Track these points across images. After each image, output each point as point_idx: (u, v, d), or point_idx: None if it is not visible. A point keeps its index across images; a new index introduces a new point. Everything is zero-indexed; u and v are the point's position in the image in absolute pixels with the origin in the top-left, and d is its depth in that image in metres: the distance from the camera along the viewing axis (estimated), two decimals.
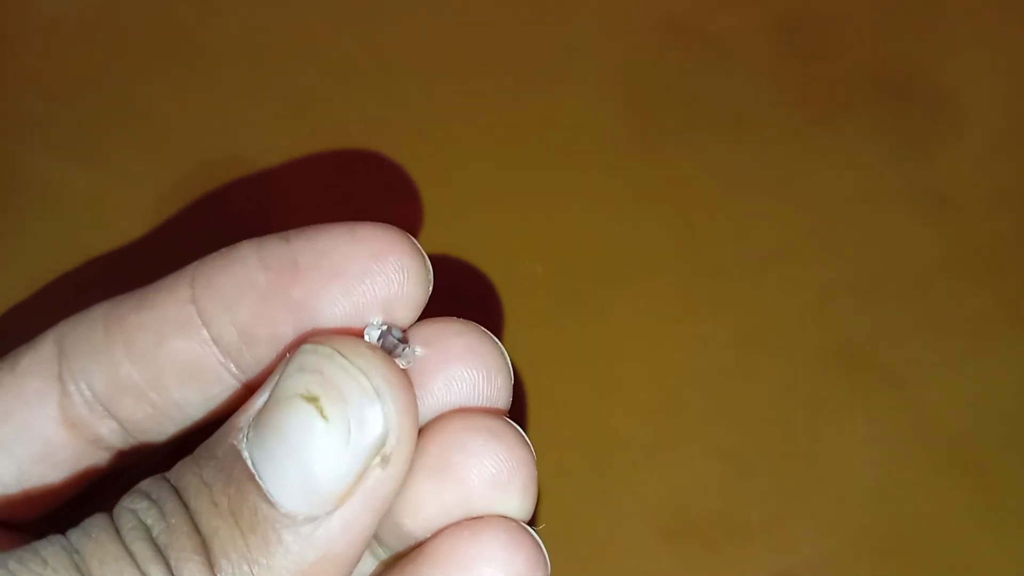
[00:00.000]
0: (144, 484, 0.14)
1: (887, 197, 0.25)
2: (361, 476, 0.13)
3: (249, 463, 0.13)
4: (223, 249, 0.16)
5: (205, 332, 0.15)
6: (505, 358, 0.15)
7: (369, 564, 0.16)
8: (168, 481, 0.14)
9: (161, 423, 0.16)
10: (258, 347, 0.15)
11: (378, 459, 0.13)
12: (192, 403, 0.16)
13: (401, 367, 0.14)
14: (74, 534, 0.13)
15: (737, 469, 0.22)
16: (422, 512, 0.15)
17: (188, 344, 0.15)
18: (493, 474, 0.15)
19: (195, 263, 0.16)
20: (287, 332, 0.15)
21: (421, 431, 0.15)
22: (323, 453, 0.13)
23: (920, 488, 0.22)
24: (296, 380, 0.13)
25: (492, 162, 0.25)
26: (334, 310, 0.15)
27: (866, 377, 0.23)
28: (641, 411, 0.23)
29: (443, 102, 0.26)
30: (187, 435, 0.17)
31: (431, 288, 0.15)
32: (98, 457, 0.16)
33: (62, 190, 0.24)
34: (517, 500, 0.15)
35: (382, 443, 0.13)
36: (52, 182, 0.24)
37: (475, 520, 0.15)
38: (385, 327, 0.15)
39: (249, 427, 0.14)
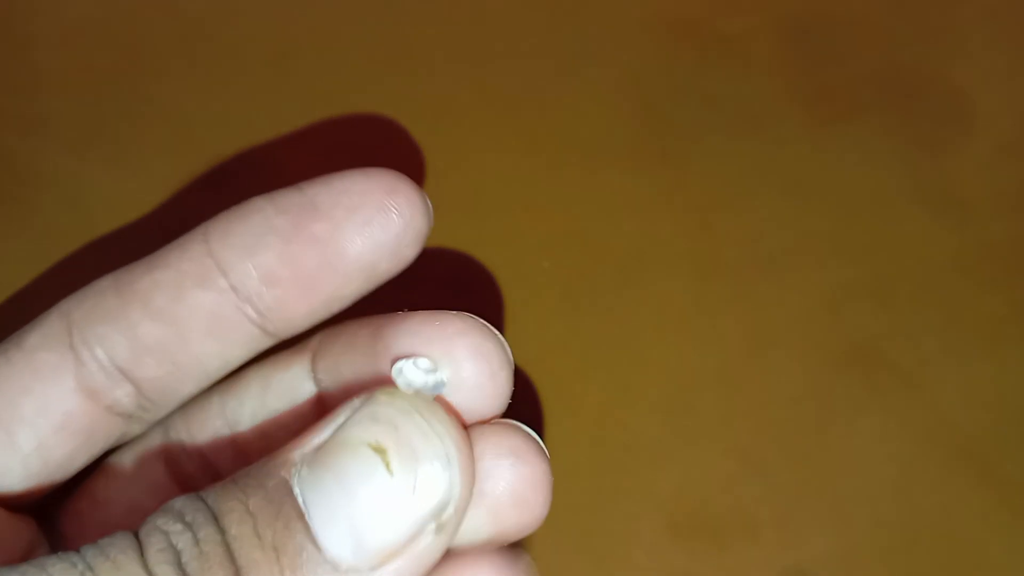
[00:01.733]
0: (178, 503, 0.13)
1: (900, 198, 0.25)
2: (414, 538, 0.13)
3: (300, 501, 0.13)
4: (234, 207, 0.17)
5: (224, 281, 0.16)
6: (507, 353, 0.15)
7: None
8: (205, 503, 0.13)
9: (181, 381, 0.17)
10: (280, 287, 0.16)
11: (433, 525, 0.13)
12: (212, 356, 0.16)
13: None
14: (90, 552, 0.13)
15: (749, 467, 0.22)
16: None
17: (208, 294, 0.16)
18: (520, 494, 0.15)
19: (205, 223, 0.16)
20: (312, 267, 0.16)
21: None
22: (381, 507, 0.13)
23: (932, 487, 0.22)
24: (366, 428, 0.13)
25: (504, 160, 0.26)
26: (356, 241, 0.16)
27: (879, 376, 0.23)
28: (653, 408, 0.23)
29: (456, 100, 0.26)
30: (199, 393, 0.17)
31: (432, 224, 0.17)
32: (112, 424, 0.17)
33: (80, 187, 0.25)
34: (539, 512, 0.15)
35: (442, 510, 0.13)
36: (70, 179, 0.25)
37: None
38: (418, 365, 0.15)
39: (303, 463, 0.13)
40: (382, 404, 0.14)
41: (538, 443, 0.16)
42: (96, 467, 0.18)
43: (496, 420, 0.15)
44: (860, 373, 0.23)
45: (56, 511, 0.18)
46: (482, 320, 0.15)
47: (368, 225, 0.16)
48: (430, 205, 0.17)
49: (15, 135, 0.25)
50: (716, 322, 0.24)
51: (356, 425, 0.13)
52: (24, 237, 0.24)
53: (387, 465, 0.13)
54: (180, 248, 0.16)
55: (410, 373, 0.14)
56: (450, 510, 0.13)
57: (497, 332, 0.15)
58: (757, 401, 0.23)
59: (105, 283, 0.17)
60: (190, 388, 0.17)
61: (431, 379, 0.14)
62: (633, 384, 0.23)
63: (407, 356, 0.15)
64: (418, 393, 0.14)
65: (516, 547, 0.16)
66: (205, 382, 0.17)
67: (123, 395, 0.16)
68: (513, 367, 0.15)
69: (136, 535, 0.13)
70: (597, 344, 0.23)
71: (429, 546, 0.13)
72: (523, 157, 0.26)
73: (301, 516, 0.13)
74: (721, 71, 0.27)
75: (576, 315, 0.24)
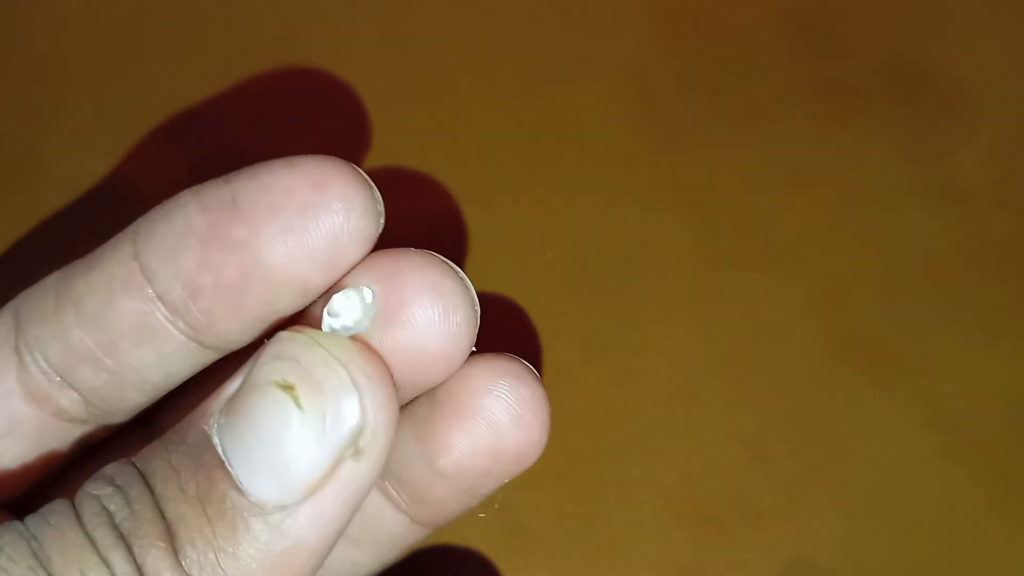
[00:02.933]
0: (108, 469, 0.13)
1: (901, 191, 0.26)
2: (334, 468, 0.13)
3: (220, 450, 0.13)
4: (165, 201, 0.15)
5: (150, 289, 0.15)
6: (468, 293, 0.15)
7: (397, 521, 0.17)
8: (135, 466, 0.13)
9: (121, 389, 0.15)
10: (204, 298, 0.14)
11: (351, 452, 0.13)
12: (149, 366, 0.15)
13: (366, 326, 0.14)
14: (32, 520, 0.13)
15: (753, 456, 0.22)
16: (453, 453, 0.15)
17: (134, 303, 0.15)
18: (519, 414, 0.15)
19: (140, 218, 0.15)
20: (231, 277, 0.14)
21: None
22: (296, 442, 0.13)
23: (934, 477, 0.22)
24: (272, 368, 0.13)
25: (508, 149, 0.26)
26: (277, 249, 0.14)
27: (881, 367, 0.23)
28: (657, 397, 0.23)
29: (459, 88, 0.26)
30: (153, 403, 0.16)
31: (383, 222, 0.15)
32: (64, 431, 0.16)
33: (82, 175, 0.25)
34: (537, 435, 0.16)
35: (357, 436, 0.13)
36: (72, 166, 0.25)
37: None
38: (347, 296, 0.14)
39: (220, 414, 0.13)
40: (285, 341, 0.13)
41: (533, 371, 0.16)
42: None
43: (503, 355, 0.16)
44: (863, 363, 0.23)
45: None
46: (441, 257, 0.15)
47: (289, 230, 0.14)
48: (379, 199, 0.14)
49: (17, 122, 0.25)
50: (719, 312, 0.24)
51: (262, 367, 0.13)
52: (26, 225, 0.24)
53: (296, 400, 0.13)
54: (112, 248, 0.15)
55: (338, 305, 0.14)
56: (367, 435, 0.13)
57: (459, 270, 0.15)
58: (760, 391, 0.23)
59: (51, 279, 0.16)
60: (137, 398, 0.16)
61: (359, 309, 0.14)
62: (637, 373, 0.23)
63: (339, 289, 0.14)
64: (332, 330, 0.14)
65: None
66: (153, 393, 0.16)
67: (68, 402, 0.16)
68: (477, 309, 0.15)
69: (72, 502, 0.13)
70: (601, 333, 0.23)
71: (352, 473, 0.13)
72: (526, 146, 0.26)
73: (221, 464, 0.13)
74: (724, 62, 0.27)
75: (580, 304, 0.24)
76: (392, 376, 0.14)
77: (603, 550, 0.21)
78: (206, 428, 0.13)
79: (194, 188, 0.15)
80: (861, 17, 0.28)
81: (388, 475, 0.16)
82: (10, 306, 0.16)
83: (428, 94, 0.26)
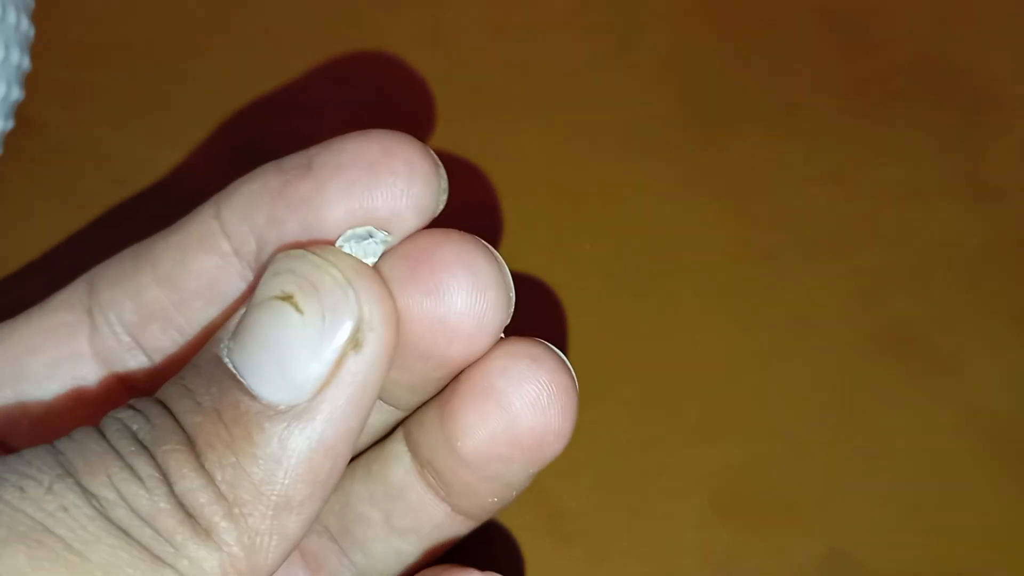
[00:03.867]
0: (131, 401, 0.14)
1: (936, 187, 0.26)
2: (338, 363, 0.13)
3: (230, 364, 0.14)
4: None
5: (226, 244, 0.15)
6: (501, 275, 0.15)
7: (439, 510, 0.17)
8: (153, 396, 0.14)
9: (189, 355, 0.16)
10: (268, 252, 0.15)
11: (352, 346, 0.13)
12: (218, 327, 0.15)
13: (372, 261, 0.14)
14: (59, 441, 0.13)
15: (788, 449, 0.22)
16: (471, 437, 0.15)
17: (210, 258, 0.15)
18: (534, 398, 0.15)
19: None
20: (294, 232, 0.15)
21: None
22: (299, 342, 0.13)
23: (969, 471, 0.22)
24: (271, 283, 0.14)
25: (546, 144, 0.26)
26: (339, 207, 0.14)
27: (916, 362, 0.23)
28: (694, 389, 0.23)
29: (497, 84, 0.27)
30: None
31: (444, 200, 0.15)
32: (128, 399, 0.16)
33: (118, 158, 0.25)
34: (557, 422, 0.15)
35: (356, 329, 0.13)
36: (108, 149, 0.25)
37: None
38: (360, 232, 0.14)
39: (229, 337, 0.14)
40: (280, 258, 0.14)
41: (559, 356, 0.16)
42: None
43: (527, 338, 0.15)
44: (897, 359, 0.23)
45: None
46: (480, 239, 0.15)
47: (353, 186, 0.14)
48: (444, 176, 0.15)
49: (54, 106, 0.25)
50: (755, 306, 0.24)
51: (262, 286, 0.14)
52: (63, 207, 0.24)
53: (296, 306, 0.13)
54: (196, 211, 0.16)
55: (352, 246, 0.14)
56: (364, 327, 0.13)
57: (496, 253, 0.15)
58: (798, 384, 0.23)
59: (128, 249, 0.16)
60: None
61: (378, 241, 0.14)
62: (676, 365, 0.23)
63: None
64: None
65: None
66: None
67: (137, 365, 0.16)
68: (511, 294, 0.15)
69: (97, 427, 0.14)
70: (638, 325, 0.24)
71: (358, 366, 0.13)
72: (564, 141, 0.26)
73: (232, 376, 0.13)
74: (760, 58, 0.27)
75: (617, 297, 0.24)
76: (383, 277, 0.14)
77: (642, 539, 0.21)
78: (216, 351, 0.14)
79: (278, 160, 0.15)
80: (893, 14, 0.28)
81: (422, 460, 0.17)
82: (85, 275, 0.16)
83: (468, 88, 0.26)
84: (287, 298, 0.13)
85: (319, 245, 0.14)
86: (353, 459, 0.18)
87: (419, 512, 0.17)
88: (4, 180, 0.24)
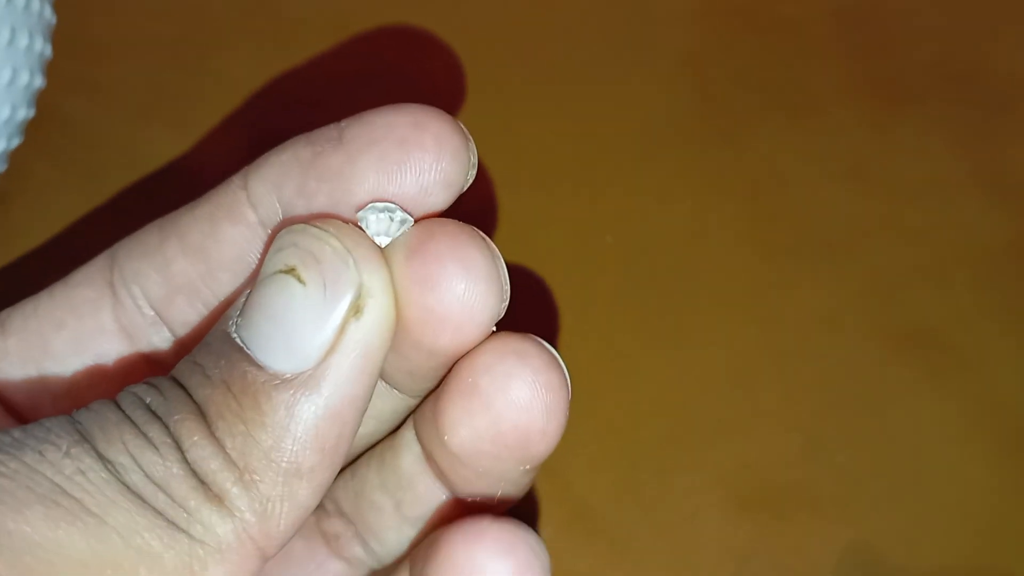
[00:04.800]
0: (146, 378, 0.14)
1: (954, 185, 0.26)
2: (341, 331, 0.13)
3: (237, 339, 0.14)
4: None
5: (252, 215, 0.15)
6: (496, 268, 0.15)
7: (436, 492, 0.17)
8: (168, 374, 0.14)
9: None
10: None
11: (354, 313, 0.14)
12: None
13: (386, 241, 0.15)
14: (77, 411, 0.14)
15: (810, 444, 0.23)
16: (457, 433, 0.15)
17: (237, 228, 0.15)
18: (517, 397, 0.15)
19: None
20: (323, 203, 0.15)
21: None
22: (302, 312, 0.13)
23: (990, 468, 0.22)
24: (275, 258, 0.14)
25: (566, 139, 0.26)
26: (368, 180, 0.14)
27: (937, 359, 0.24)
28: (715, 386, 0.23)
29: (517, 80, 0.27)
30: None
31: (472, 175, 0.15)
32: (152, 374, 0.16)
33: (142, 152, 0.25)
34: (541, 421, 0.15)
35: (356, 297, 0.14)
36: (132, 144, 0.25)
37: (472, 524, 0.15)
38: (379, 207, 0.14)
39: (236, 312, 0.14)
40: (283, 234, 0.14)
41: (549, 352, 0.15)
42: None
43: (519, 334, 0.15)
44: (918, 355, 0.24)
45: None
46: (478, 231, 0.15)
47: (383, 160, 0.14)
48: (474, 152, 0.15)
49: (79, 100, 0.25)
50: (775, 302, 0.24)
51: (268, 261, 0.14)
52: (87, 198, 0.24)
53: (299, 278, 0.14)
54: (225, 183, 0.16)
55: (373, 225, 0.14)
56: (364, 295, 0.14)
57: (493, 246, 0.15)
58: (817, 380, 0.23)
59: (156, 223, 0.16)
60: None
61: (396, 219, 0.14)
62: (695, 362, 0.23)
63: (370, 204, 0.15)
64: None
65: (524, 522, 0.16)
66: None
67: (161, 341, 0.16)
68: (505, 287, 0.15)
69: (114, 400, 0.14)
70: (659, 320, 0.24)
71: (360, 333, 0.14)
72: (585, 136, 0.26)
73: (240, 349, 0.14)
74: (778, 56, 0.27)
75: (639, 290, 0.24)
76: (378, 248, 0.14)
77: (663, 533, 0.21)
78: (224, 328, 0.14)
79: (308, 133, 0.15)
80: (912, 12, 0.28)
81: (426, 452, 0.17)
82: (107, 251, 0.16)
83: (487, 85, 0.26)
84: (290, 270, 0.14)
85: (320, 219, 0.14)
86: (369, 449, 0.18)
87: (428, 502, 0.17)
88: (29, 172, 0.24)
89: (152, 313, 0.16)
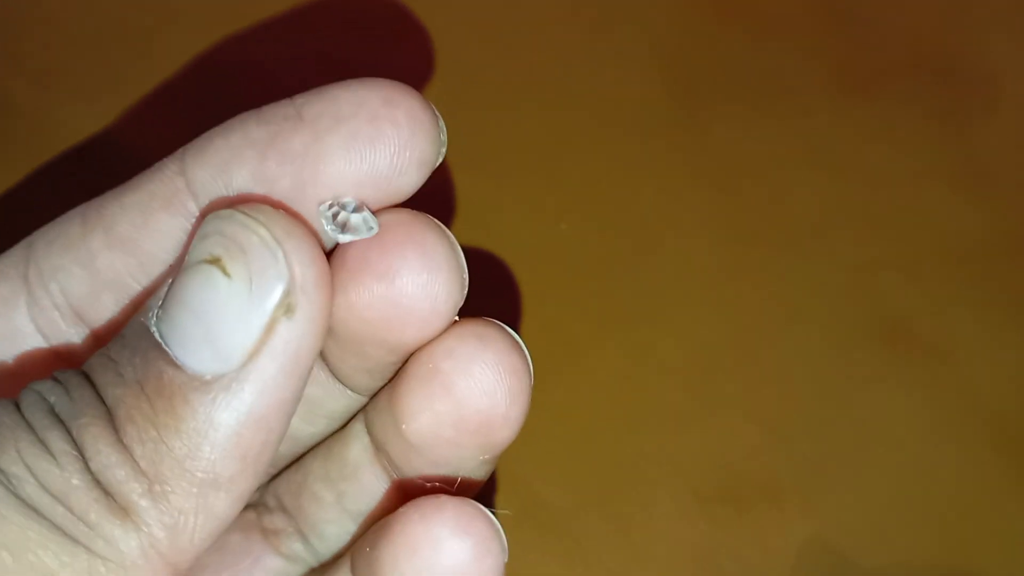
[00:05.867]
0: (55, 373, 0.13)
1: (926, 172, 0.25)
2: (268, 330, 0.12)
3: (156, 334, 0.13)
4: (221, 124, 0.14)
5: (193, 204, 0.14)
6: (455, 256, 0.14)
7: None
8: (78, 369, 0.13)
9: None
10: None
11: (283, 311, 0.13)
12: None
13: (351, 237, 0.14)
14: None
15: (773, 435, 0.22)
16: (416, 419, 0.15)
17: (174, 219, 0.14)
18: (479, 381, 0.14)
19: (190, 142, 0.15)
20: (285, 189, 0.13)
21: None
22: (226, 309, 0.12)
23: (956, 460, 0.22)
24: (199, 247, 0.13)
25: (526, 120, 0.25)
26: (338, 161, 0.13)
27: (906, 349, 0.23)
28: (674, 374, 0.23)
29: (480, 59, 0.26)
30: None
31: (443, 153, 0.14)
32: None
33: (88, 137, 0.24)
34: (504, 405, 0.14)
35: (286, 293, 0.13)
36: (79, 129, 0.24)
37: (429, 501, 0.14)
38: (338, 202, 0.14)
39: (157, 303, 0.13)
40: (210, 220, 0.13)
41: (511, 336, 0.15)
42: None
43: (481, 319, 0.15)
44: (885, 345, 0.23)
45: None
46: (434, 219, 0.14)
47: (354, 139, 0.13)
48: (443, 129, 0.14)
49: (23, 82, 0.25)
50: (738, 290, 0.24)
51: (192, 249, 0.13)
52: (28, 183, 0.23)
53: (223, 270, 0.13)
54: (156, 168, 0.14)
55: (354, 221, 0.14)
56: (296, 291, 0.13)
57: (450, 234, 0.14)
58: (780, 370, 0.23)
59: (75, 211, 0.15)
60: None
61: (343, 213, 0.14)
62: (654, 349, 0.23)
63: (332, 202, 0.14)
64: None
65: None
66: None
67: (79, 340, 0.15)
68: (464, 276, 0.14)
69: (13, 401, 0.13)
70: (617, 308, 0.23)
71: (288, 333, 0.13)
72: (544, 118, 0.25)
73: (157, 345, 0.13)
74: (748, 40, 0.27)
75: (595, 278, 0.23)
76: (317, 236, 0.13)
77: (619, 527, 0.21)
78: (143, 320, 0.13)
79: (256, 109, 0.14)
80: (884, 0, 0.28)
81: (377, 443, 0.16)
82: (23, 241, 0.15)
83: (451, 65, 0.26)
84: (214, 261, 0.13)
85: (249, 203, 0.13)
86: (316, 445, 0.17)
87: (371, 494, 0.16)
88: None
89: (71, 312, 0.15)
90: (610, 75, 0.26)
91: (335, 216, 0.14)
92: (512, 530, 0.21)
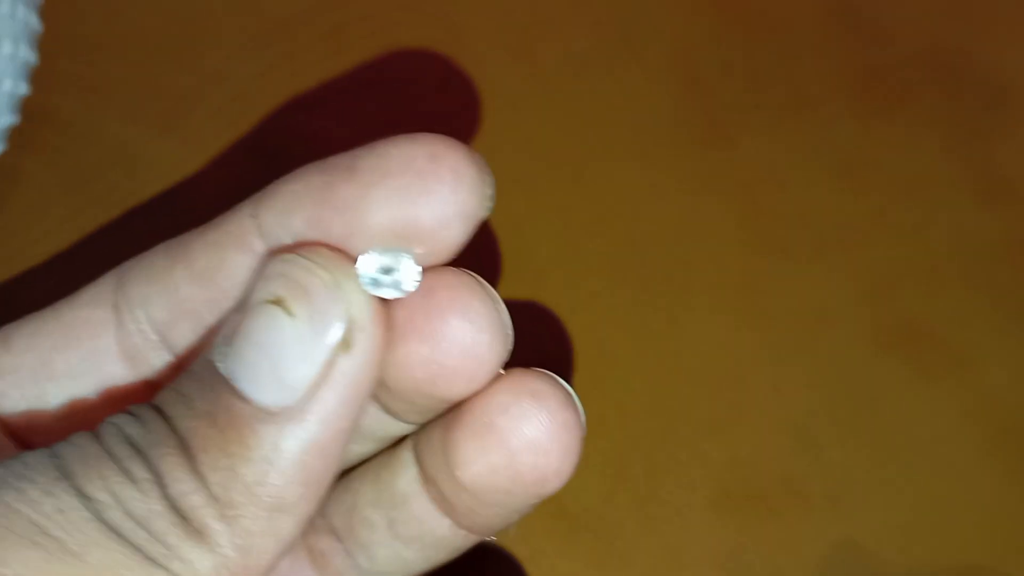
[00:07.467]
0: (130, 407, 0.14)
1: (946, 183, 0.26)
2: (329, 364, 0.13)
3: (223, 369, 0.14)
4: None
5: (260, 243, 0.15)
6: (498, 313, 0.15)
7: (443, 524, 0.17)
8: (151, 403, 0.14)
9: None
10: None
11: (343, 347, 0.13)
12: None
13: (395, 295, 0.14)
14: (58, 444, 0.14)
15: (800, 442, 0.23)
16: (470, 468, 0.15)
17: (244, 257, 0.15)
18: (534, 438, 0.15)
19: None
20: (337, 234, 0.14)
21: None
22: (289, 345, 0.13)
23: (977, 466, 0.22)
24: (263, 288, 0.14)
25: (552, 137, 0.26)
26: (383, 212, 0.14)
27: (929, 356, 0.24)
28: (705, 383, 0.23)
29: (504, 75, 0.27)
30: None
31: (490, 207, 0.15)
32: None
33: (134, 152, 0.25)
34: (557, 461, 0.15)
35: (345, 330, 0.13)
36: (129, 146, 0.25)
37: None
38: (380, 254, 0.14)
39: (222, 340, 0.14)
40: (272, 262, 0.14)
41: (564, 389, 0.15)
42: None
43: (523, 369, 0.15)
44: (909, 352, 0.24)
45: None
46: (475, 276, 0.15)
47: (400, 192, 0.14)
48: (491, 183, 0.15)
49: (71, 99, 0.25)
50: (765, 300, 0.24)
51: (255, 291, 0.14)
52: (82, 201, 0.24)
53: (287, 310, 0.13)
54: (232, 210, 0.16)
55: (397, 270, 0.14)
56: (354, 329, 0.14)
57: (492, 291, 0.15)
58: (808, 377, 0.23)
59: (161, 245, 0.16)
60: None
61: (386, 259, 0.14)
62: (685, 359, 0.23)
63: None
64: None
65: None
66: None
67: (161, 364, 0.16)
68: (508, 332, 0.15)
69: (94, 433, 0.14)
70: (647, 321, 0.24)
71: (347, 367, 0.14)
72: (570, 134, 0.26)
73: (225, 380, 0.14)
74: (769, 51, 0.27)
75: (626, 291, 0.24)
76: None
77: (651, 531, 0.22)
78: (210, 356, 0.14)
79: (321, 160, 0.15)
80: (905, 7, 0.28)
81: (426, 476, 0.17)
82: (114, 270, 0.16)
83: (471, 79, 0.26)
84: (278, 301, 0.14)
85: (309, 248, 0.14)
86: (365, 461, 0.18)
87: (422, 523, 0.17)
88: (24, 173, 0.24)
89: (155, 337, 0.16)
90: (634, 87, 0.26)
91: (371, 269, 0.14)
92: (546, 532, 0.21)
